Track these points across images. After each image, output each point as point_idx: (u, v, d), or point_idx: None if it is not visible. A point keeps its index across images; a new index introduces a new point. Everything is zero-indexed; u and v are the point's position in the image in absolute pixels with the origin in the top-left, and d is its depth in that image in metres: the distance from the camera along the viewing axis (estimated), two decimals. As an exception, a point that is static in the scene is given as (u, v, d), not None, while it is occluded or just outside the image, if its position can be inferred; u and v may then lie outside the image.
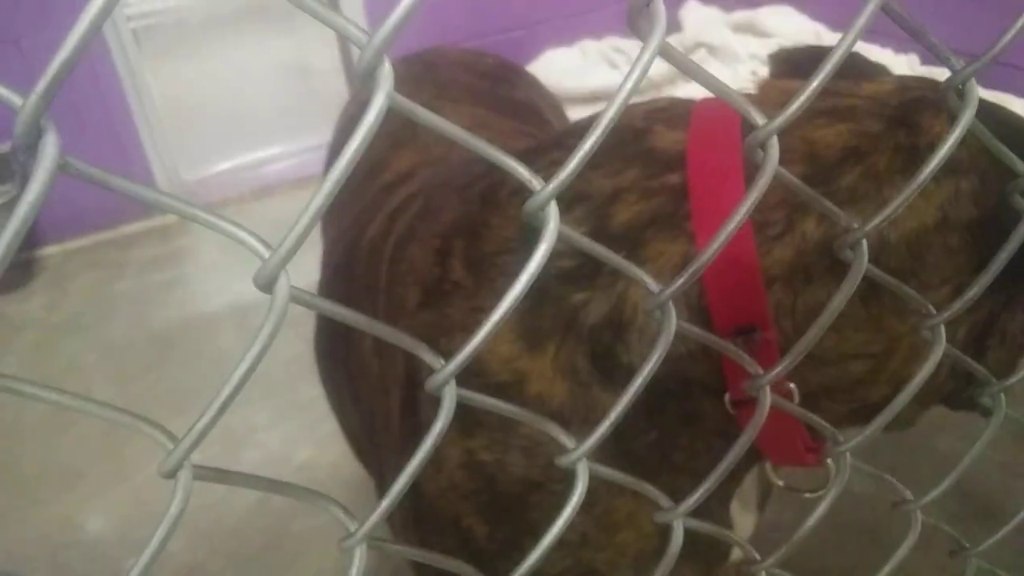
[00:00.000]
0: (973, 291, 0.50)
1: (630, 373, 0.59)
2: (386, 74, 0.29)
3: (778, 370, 0.47)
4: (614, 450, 0.62)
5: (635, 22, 0.33)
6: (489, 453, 0.66)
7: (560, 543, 0.64)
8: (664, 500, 0.55)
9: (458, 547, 0.70)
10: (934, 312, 0.48)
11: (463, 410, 0.69)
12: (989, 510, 1.43)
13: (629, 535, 0.66)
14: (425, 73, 1.27)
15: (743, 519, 0.73)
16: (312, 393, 1.99)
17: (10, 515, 1.74)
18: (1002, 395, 0.53)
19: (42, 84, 0.23)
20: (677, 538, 0.50)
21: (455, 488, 0.68)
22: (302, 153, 3.19)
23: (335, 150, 1.34)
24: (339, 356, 0.93)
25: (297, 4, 0.28)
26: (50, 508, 1.74)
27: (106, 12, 0.24)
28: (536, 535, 0.47)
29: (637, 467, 0.62)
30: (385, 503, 0.39)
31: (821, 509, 0.52)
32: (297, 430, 1.87)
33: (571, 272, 0.64)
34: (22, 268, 2.69)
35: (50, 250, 2.89)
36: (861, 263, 0.43)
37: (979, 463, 0.60)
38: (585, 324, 0.62)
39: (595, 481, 0.63)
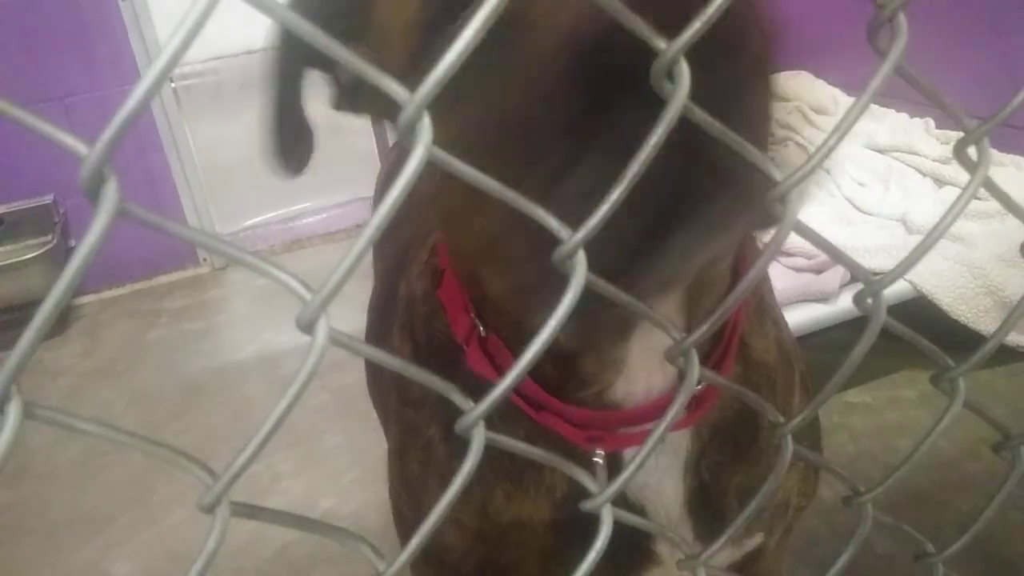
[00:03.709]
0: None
1: (415, 348, 0.70)
2: (426, 127, 0.31)
3: (799, 419, 0.48)
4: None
5: (658, 84, 0.35)
6: (393, 441, 0.76)
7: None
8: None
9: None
10: (952, 365, 0.49)
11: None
12: (1014, 570, 1.40)
13: (525, 536, 0.68)
14: None
15: (669, 487, 0.68)
16: (336, 442, 2.01)
17: (38, 560, 1.75)
18: (1021, 448, 0.53)
19: (108, 133, 0.25)
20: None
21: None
22: (331, 208, 3.27)
23: (383, 185, 1.41)
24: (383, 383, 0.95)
25: (345, 61, 0.30)
26: (78, 553, 1.75)
27: (174, 62, 0.26)
28: None
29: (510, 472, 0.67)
30: (415, 541, 0.40)
31: (842, 562, 0.52)
32: (321, 478, 1.88)
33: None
34: (59, 316, 2.77)
35: (86, 299, 2.96)
36: (879, 315, 0.44)
37: (1004, 524, 0.59)
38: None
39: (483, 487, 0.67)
